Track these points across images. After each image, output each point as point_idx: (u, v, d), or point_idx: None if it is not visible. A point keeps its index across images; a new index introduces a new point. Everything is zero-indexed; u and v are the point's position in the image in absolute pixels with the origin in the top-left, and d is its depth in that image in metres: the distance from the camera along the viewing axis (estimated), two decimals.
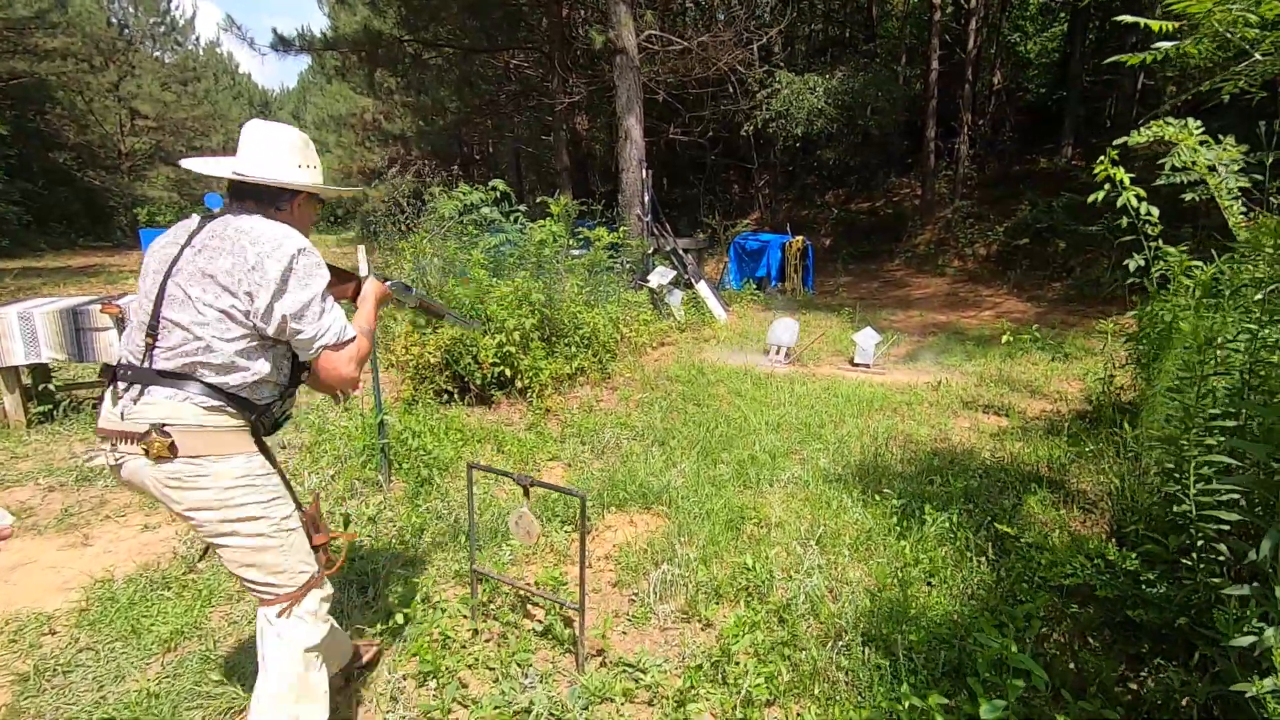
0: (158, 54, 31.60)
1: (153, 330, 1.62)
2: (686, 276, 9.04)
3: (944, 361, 6.80)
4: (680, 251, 9.29)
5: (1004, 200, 14.07)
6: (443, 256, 5.57)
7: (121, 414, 1.61)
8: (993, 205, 14.16)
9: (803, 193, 18.21)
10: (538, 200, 6.67)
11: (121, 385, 1.63)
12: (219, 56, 38.22)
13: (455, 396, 5.26)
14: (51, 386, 5.19)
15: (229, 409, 1.66)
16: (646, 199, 9.10)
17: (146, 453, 1.58)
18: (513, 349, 5.25)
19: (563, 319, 5.82)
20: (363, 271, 3.71)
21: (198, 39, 34.91)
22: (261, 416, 1.74)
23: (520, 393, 5.38)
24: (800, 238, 11.51)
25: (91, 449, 4.40)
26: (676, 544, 3.11)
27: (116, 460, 1.64)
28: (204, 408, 1.62)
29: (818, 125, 12.49)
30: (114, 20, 29.18)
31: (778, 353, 7.01)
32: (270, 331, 1.66)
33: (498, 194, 6.12)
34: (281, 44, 12.16)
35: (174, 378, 1.61)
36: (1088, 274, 10.23)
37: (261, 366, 1.71)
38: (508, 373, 5.27)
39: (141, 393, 1.61)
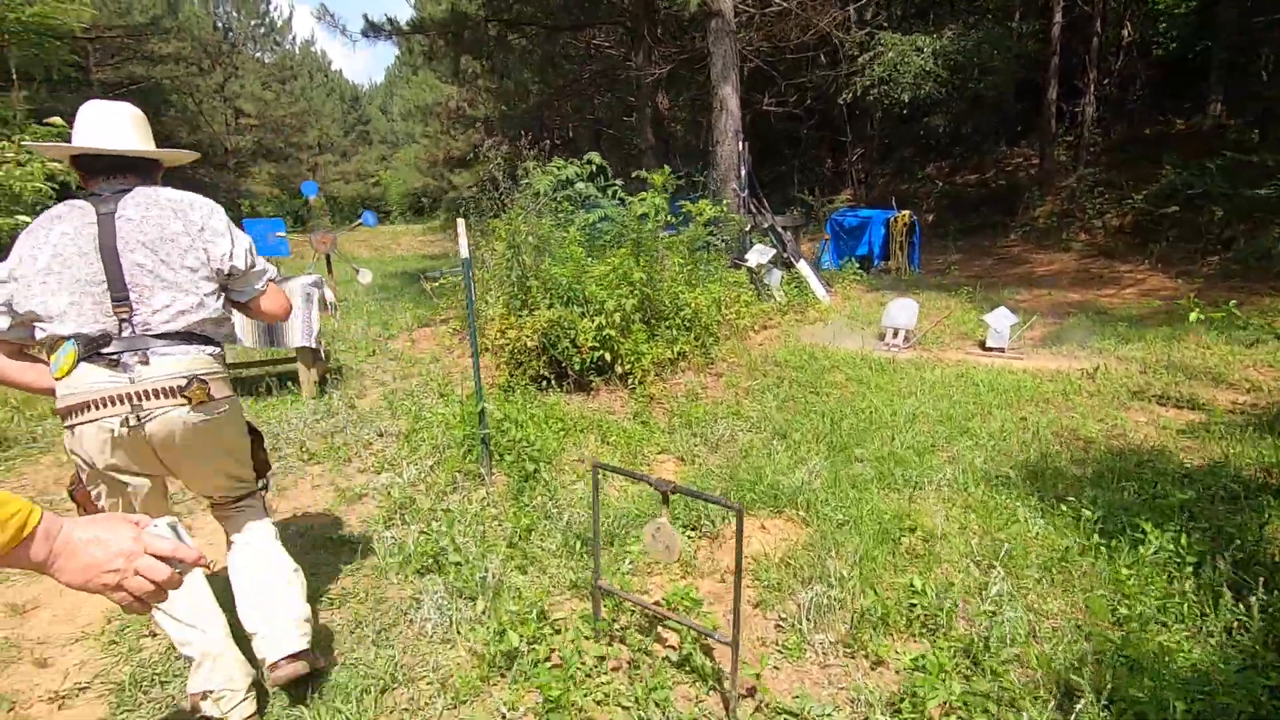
0: (258, 55, 33.23)
1: (122, 301, 1.74)
2: (786, 255, 8.44)
3: (1094, 345, 5.96)
4: (778, 229, 8.69)
5: (1136, 165, 12.57)
6: (537, 235, 5.25)
7: (131, 379, 1.72)
8: (1123, 171, 12.70)
9: (901, 166, 17.01)
10: (634, 175, 6.25)
11: (107, 357, 1.71)
12: (313, 55, 39.88)
13: (552, 382, 4.95)
14: None
15: (222, 356, 1.93)
16: (743, 173, 8.54)
17: (189, 401, 1.77)
18: (612, 332, 4.89)
19: (663, 300, 5.41)
20: (463, 249, 3.41)
21: (294, 38, 36.52)
22: (224, 363, 1.98)
23: (620, 379, 5.02)
24: (906, 212, 10.64)
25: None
26: (827, 559, 2.64)
27: (140, 419, 1.73)
28: (212, 357, 1.87)
29: (925, 89, 11.44)
30: (219, 24, 30.86)
31: (895, 336, 6.35)
32: (242, 267, 1.92)
33: (593, 168, 5.75)
34: (372, 30, 12.28)
35: (180, 337, 1.80)
36: (1253, 245, 8.88)
37: (235, 317, 2.06)
38: (607, 357, 4.92)
39: (145, 356, 1.74)
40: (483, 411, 3.49)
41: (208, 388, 1.80)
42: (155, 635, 2.45)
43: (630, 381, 4.93)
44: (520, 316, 4.94)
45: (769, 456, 3.67)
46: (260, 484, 2.17)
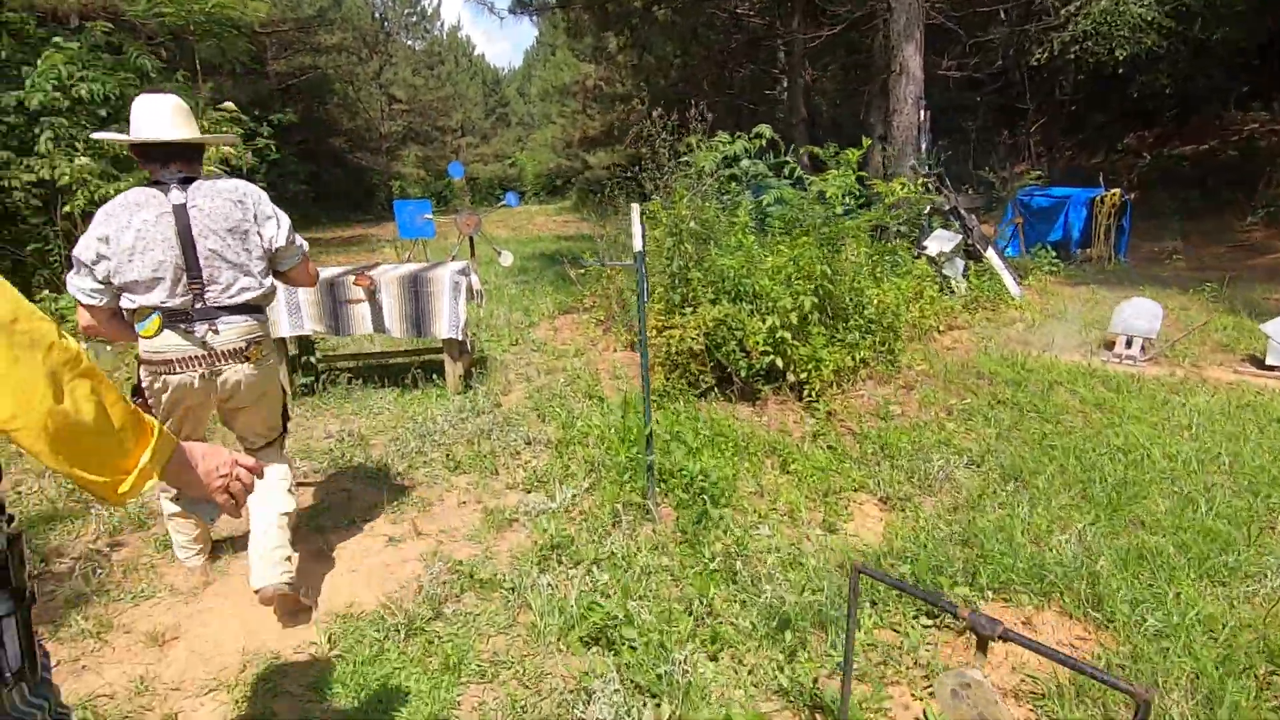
0: (410, 42, 34.91)
1: (197, 280, 2.17)
2: (971, 242, 7.26)
3: None
4: (962, 212, 7.51)
5: None
6: (701, 220, 4.61)
7: (204, 342, 2.19)
8: None
9: (1093, 136, 14.68)
10: (800, 151, 5.43)
11: (184, 326, 2.17)
12: (459, 40, 41.44)
13: (715, 389, 4.33)
14: (313, 359, 5.14)
15: (265, 320, 2.39)
16: (924, 147, 7.43)
17: (248, 360, 2.29)
18: (786, 335, 4.18)
19: (844, 296, 4.61)
20: (636, 241, 2.85)
21: (442, 25, 38.06)
22: (267, 325, 2.42)
23: (792, 389, 4.31)
24: (1116, 191, 8.96)
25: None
26: (1171, 705, 1.83)
27: (212, 374, 2.23)
28: (260, 323, 2.35)
29: (1147, 43, 9.52)
30: (377, 14, 32.64)
31: (1129, 345, 5.14)
32: (284, 244, 2.36)
33: (763, 142, 5.00)
34: (520, 6, 12.14)
35: (239, 309, 2.26)
36: None
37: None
38: (779, 363, 4.22)
39: (215, 326, 2.20)
40: (650, 435, 2.93)
41: (262, 347, 2.32)
42: (286, 694, 2.10)
43: (806, 392, 4.21)
44: (683, 313, 4.34)
45: (1012, 511, 2.84)
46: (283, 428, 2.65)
